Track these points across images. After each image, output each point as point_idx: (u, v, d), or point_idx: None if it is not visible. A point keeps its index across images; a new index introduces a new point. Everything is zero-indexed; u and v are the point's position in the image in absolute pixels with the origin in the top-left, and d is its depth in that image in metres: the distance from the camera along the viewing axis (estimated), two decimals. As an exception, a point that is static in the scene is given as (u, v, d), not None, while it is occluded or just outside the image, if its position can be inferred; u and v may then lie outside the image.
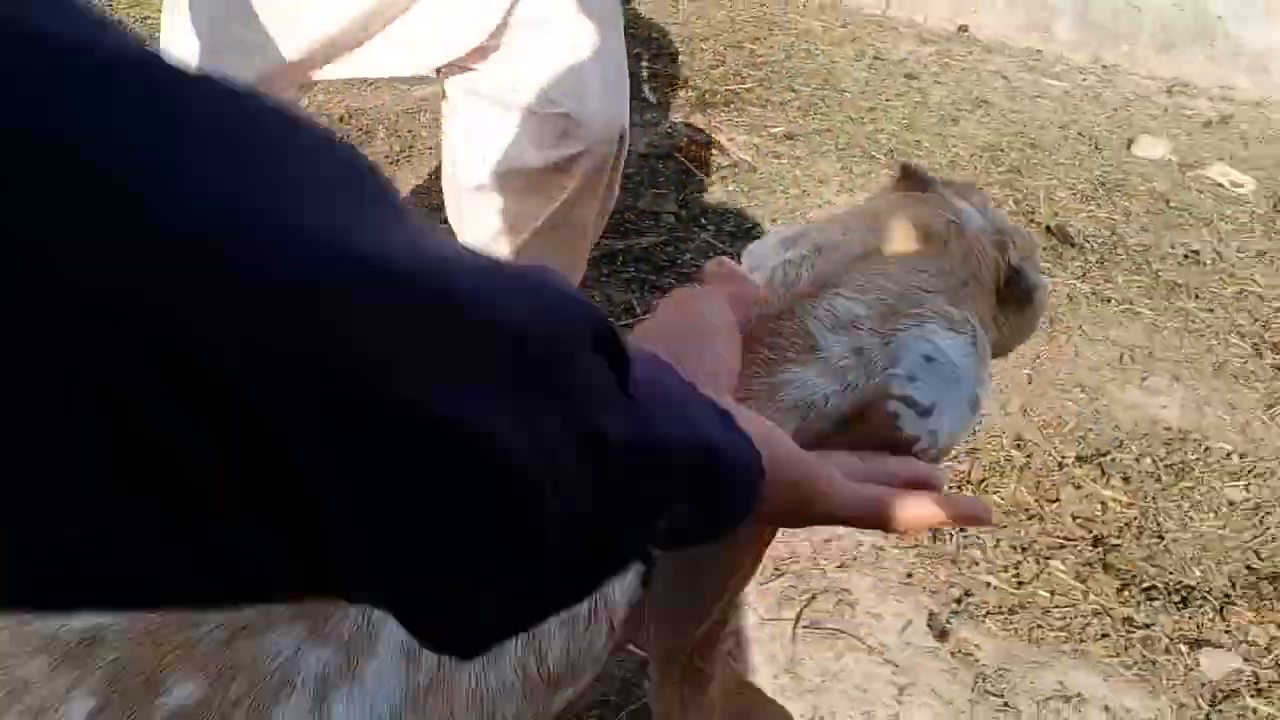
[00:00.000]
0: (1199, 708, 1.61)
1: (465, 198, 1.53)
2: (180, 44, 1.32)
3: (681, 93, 3.57)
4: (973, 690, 1.56)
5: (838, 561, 1.78)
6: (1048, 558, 1.85)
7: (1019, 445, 2.12)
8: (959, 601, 1.73)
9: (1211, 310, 2.63)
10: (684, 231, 2.79)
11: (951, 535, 1.87)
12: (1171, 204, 3.14)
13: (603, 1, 1.43)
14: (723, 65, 3.80)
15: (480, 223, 1.52)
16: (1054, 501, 1.99)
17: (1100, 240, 2.90)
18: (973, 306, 0.84)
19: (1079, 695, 1.59)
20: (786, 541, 1.79)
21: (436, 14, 1.34)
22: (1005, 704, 1.54)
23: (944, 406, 0.77)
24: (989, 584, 1.78)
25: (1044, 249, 2.84)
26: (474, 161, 1.48)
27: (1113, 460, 2.11)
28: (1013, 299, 0.91)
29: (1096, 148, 3.48)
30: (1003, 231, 0.91)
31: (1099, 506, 2.00)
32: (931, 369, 0.77)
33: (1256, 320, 2.60)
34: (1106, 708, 1.57)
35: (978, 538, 1.88)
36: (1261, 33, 3.92)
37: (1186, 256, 2.86)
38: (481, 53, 1.40)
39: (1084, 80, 4.06)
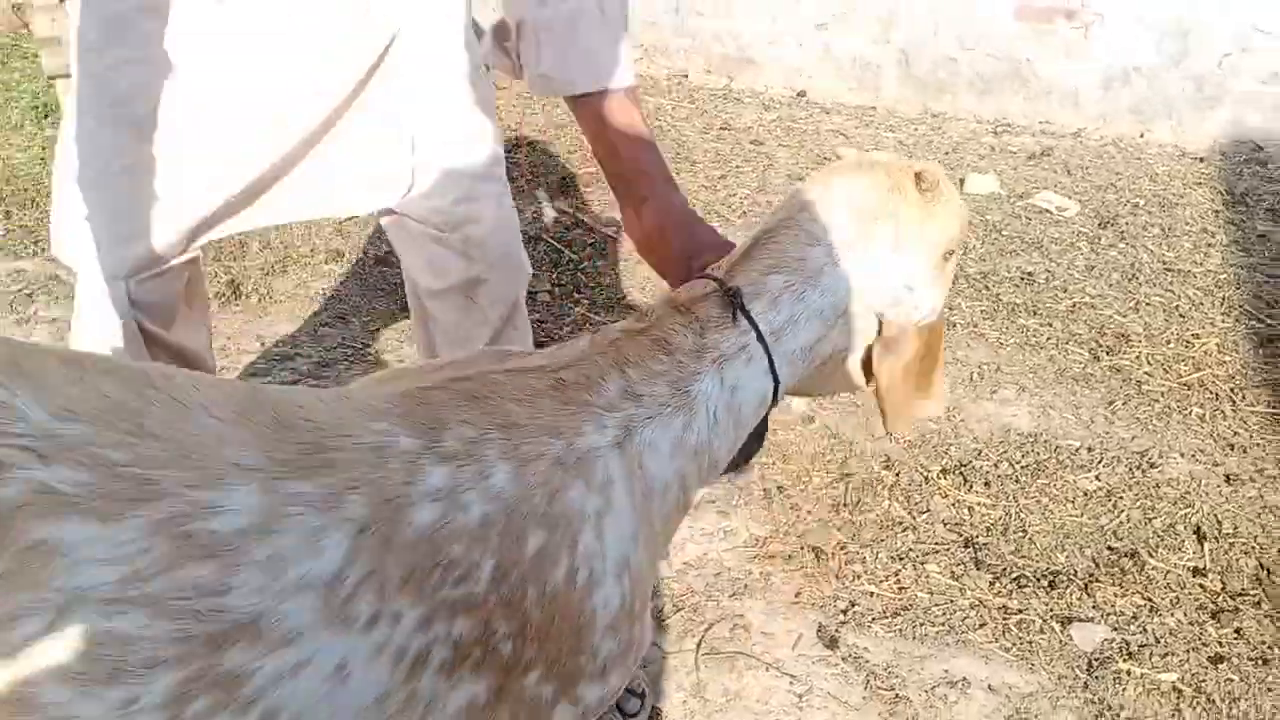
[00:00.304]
0: (1076, 677, 1.74)
1: (425, 304, 1.58)
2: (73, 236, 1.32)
3: (546, 178, 3.72)
4: (865, 689, 1.66)
5: (730, 591, 1.87)
6: (924, 562, 1.97)
7: (888, 465, 2.26)
8: (845, 612, 1.83)
9: (1050, 324, 2.85)
10: (558, 308, 2.90)
11: (834, 554, 1.98)
12: (1004, 232, 3.39)
13: (488, 134, 1.50)
14: (580, 149, 3.97)
15: (441, 328, 1.57)
16: (925, 512, 2.12)
17: (944, 271, 3.12)
18: None
19: (964, 679, 1.70)
20: (680, 578, 1.88)
21: (341, 165, 1.40)
22: (896, 696, 1.64)
23: None
24: (872, 593, 1.89)
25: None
26: (416, 276, 1.55)
27: (974, 468, 2.27)
28: None
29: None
30: None
31: (966, 511, 2.14)
32: None
33: (1091, 328, 2.83)
34: (990, 687, 1.69)
35: (859, 554, 1.99)
36: (1067, 70, 4.28)
37: (1022, 278, 3.09)
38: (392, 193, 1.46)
39: (916, 129, 4.36)
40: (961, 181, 3.78)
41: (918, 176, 1.04)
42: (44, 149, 3.81)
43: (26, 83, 4.47)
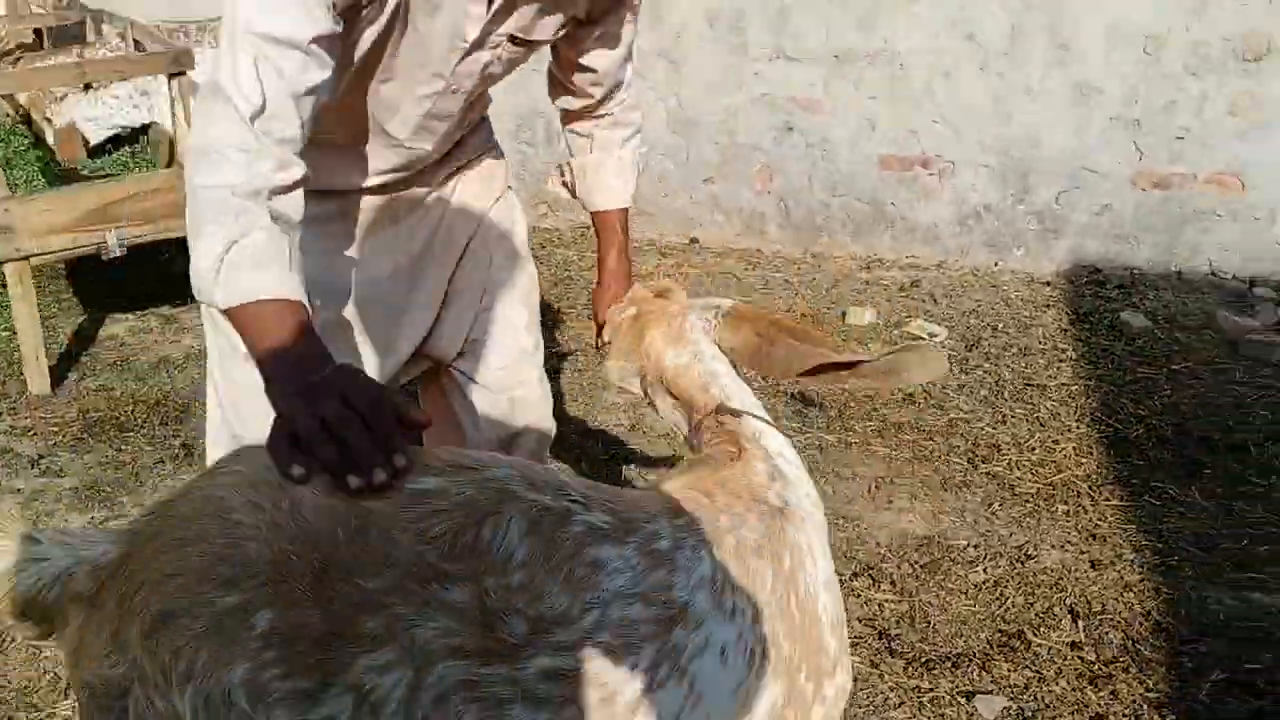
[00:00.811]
0: (981, 744, 2.03)
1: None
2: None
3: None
4: (806, 766, 1.91)
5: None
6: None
7: (806, 571, 2.55)
8: (783, 702, 2.09)
9: (931, 439, 3.23)
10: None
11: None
12: (887, 358, 3.80)
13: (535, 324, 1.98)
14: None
15: None
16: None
17: (835, 398, 3.49)
18: None
19: (888, 753, 1.97)
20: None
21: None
22: (833, 770, 1.90)
23: None
24: (804, 684, 2.16)
25: (792, 413, 3.39)
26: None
27: (880, 570, 2.58)
28: None
29: (817, 323, 4.16)
30: None
31: (877, 608, 2.44)
32: None
33: (967, 440, 3.21)
34: (910, 757, 1.96)
35: (788, 651, 2.26)
36: (926, 211, 4.83)
37: (905, 399, 3.48)
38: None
39: (798, 269, 4.82)
40: (843, 315, 4.21)
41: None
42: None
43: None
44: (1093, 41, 4.48)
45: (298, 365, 1.16)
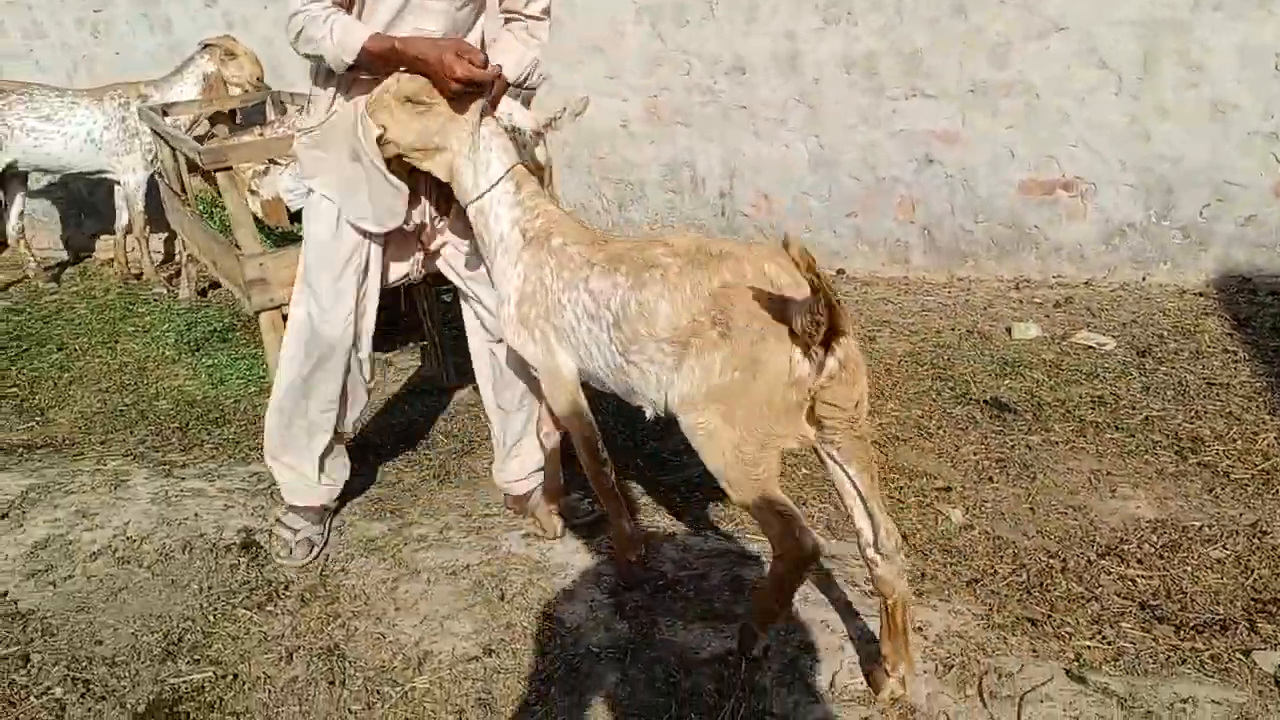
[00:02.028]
0: (1271, 690, 2.18)
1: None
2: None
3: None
4: (1122, 710, 2.08)
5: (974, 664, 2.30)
6: (1117, 622, 2.42)
7: (1053, 555, 2.72)
8: (1077, 659, 2.27)
9: (1132, 436, 3.39)
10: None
11: (1047, 621, 2.42)
12: (1063, 367, 3.98)
13: None
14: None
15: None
16: (1099, 587, 2.58)
17: (1026, 403, 3.67)
18: None
19: (1191, 698, 2.13)
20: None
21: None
22: (1147, 712, 2.06)
23: None
24: (1088, 648, 2.33)
25: (989, 418, 3.57)
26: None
27: (1124, 551, 2.75)
28: None
29: (985, 338, 4.35)
30: None
31: (1130, 583, 2.61)
32: None
33: (1167, 436, 3.37)
34: (1214, 701, 2.12)
35: (1065, 620, 2.43)
36: (1070, 231, 5.01)
37: (1094, 401, 3.65)
38: None
39: (949, 292, 5.02)
40: (1009, 330, 4.39)
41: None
42: (210, 375, 4.28)
43: (165, 323, 4.98)
44: (1224, 61, 4.66)
45: (420, 43, 2.28)
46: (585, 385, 2.40)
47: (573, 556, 2.70)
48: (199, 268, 5.41)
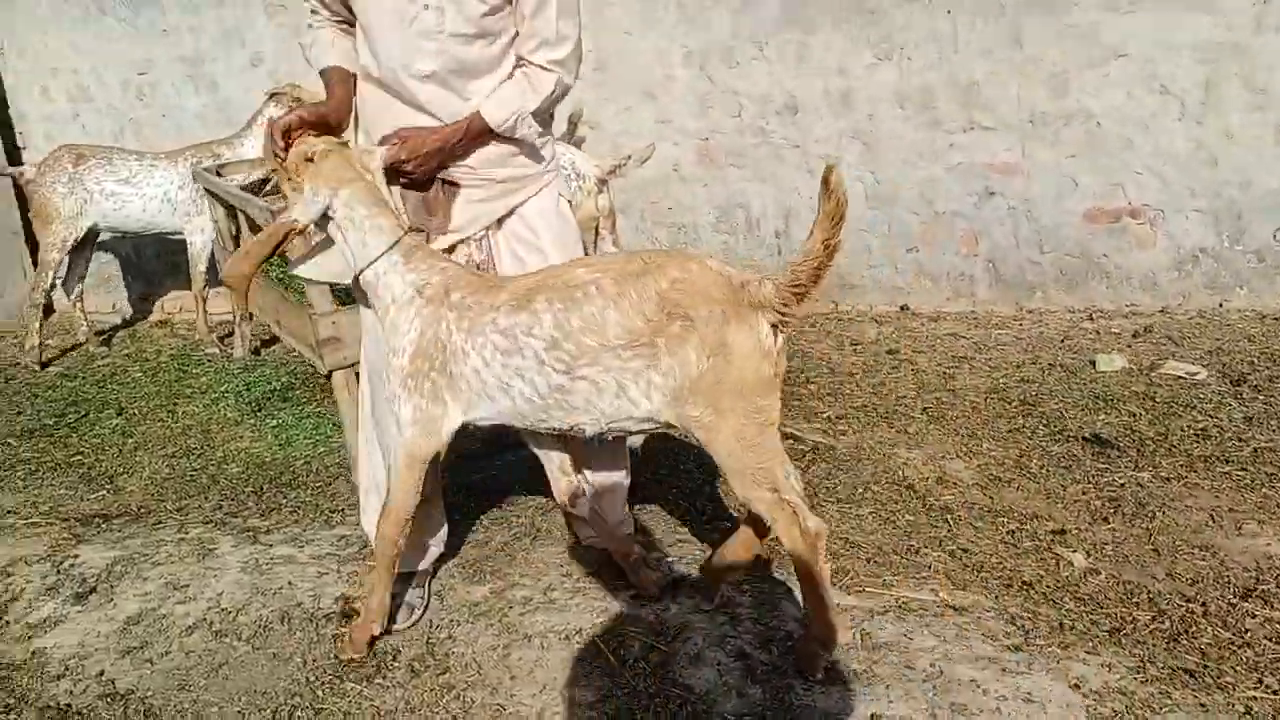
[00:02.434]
0: None
1: None
2: None
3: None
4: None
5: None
6: (1275, 671, 2.29)
7: (1189, 599, 2.60)
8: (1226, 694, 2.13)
9: (1244, 469, 3.26)
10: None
11: (1202, 671, 2.29)
12: (1157, 400, 3.86)
13: None
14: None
15: None
16: (1245, 631, 2.45)
17: (1127, 438, 3.55)
18: None
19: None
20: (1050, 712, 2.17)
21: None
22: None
23: None
24: (1261, 685, 2.20)
25: (1093, 454, 3.45)
26: None
27: (1268, 592, 2.61)
28: None
29: (1069, 372, 4.24)
30: None
31: (1277, 625, 2.48)
32: None
33: (1279, 466, 3.25)
34: None
35: (1217, 667, 2.30)
36: (1141, 259, 4.92)
37: (1198, 435, 3.53)
38: None
39: (1020, 325, 4.92)
40: (1093, 363, 4.28)
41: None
42: (276, 435, 4.20)
43: (222, 384, 4.91)
44: (1293, 83, 4.60)
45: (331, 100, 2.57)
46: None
47: (690, 616, 2.59)
48: (253, 326, 5.36)
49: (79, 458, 4.18)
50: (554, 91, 2.46)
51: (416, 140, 2.44)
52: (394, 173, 2.47)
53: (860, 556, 2.92)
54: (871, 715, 2.17)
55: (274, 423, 4.38)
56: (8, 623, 2.85)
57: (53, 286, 5.50)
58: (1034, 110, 4.88)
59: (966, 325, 5.00)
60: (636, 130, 5.30)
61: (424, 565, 2.78)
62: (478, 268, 2.56)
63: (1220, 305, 4.85)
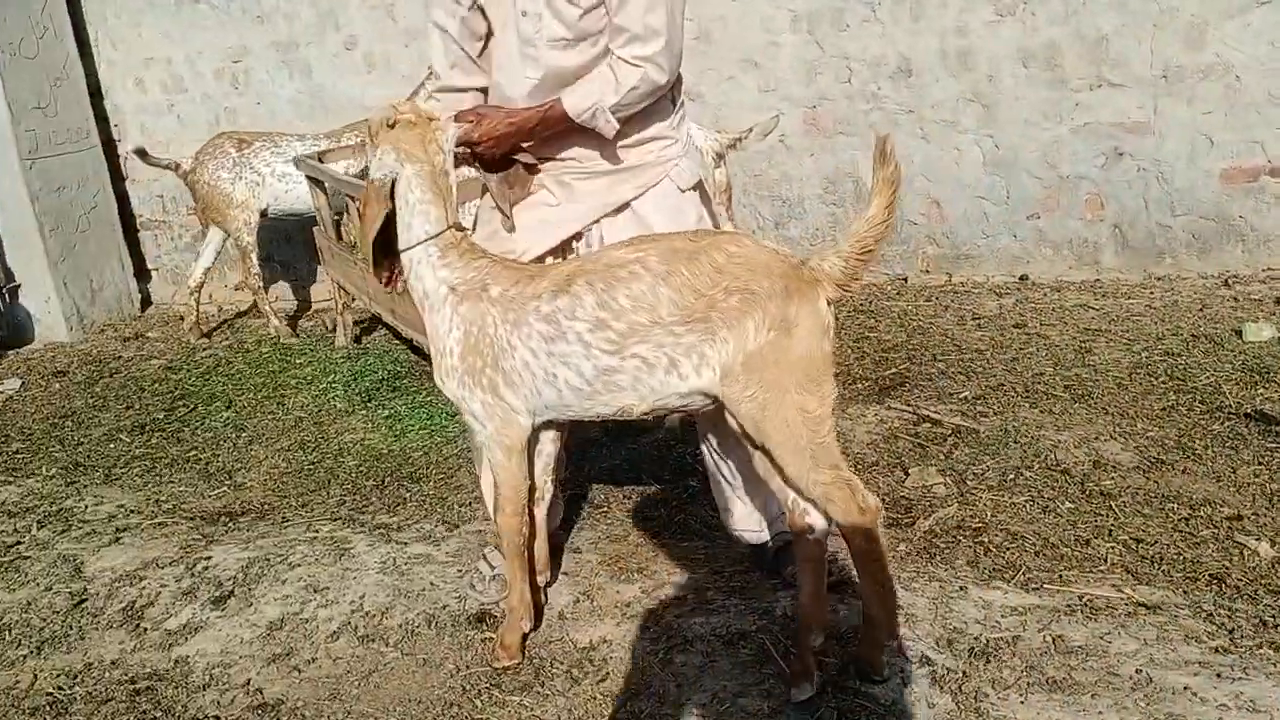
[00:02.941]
0: None
1: None
2: None
3: (856, 386, 4.00)
4: None
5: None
6: None
7: None
8: None
9: None
10: (965, 502, 3.09)
11: None
12: (1320, 371, 3.61)
13: None
14: (865, 356, 4.28)
15: None
16: None
17: (1292, 414, 3.32)
18: None
19: None
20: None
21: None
22: None
23: None
24: None
25: (1260, 434, 3.23)
26: None
27: None
28: None
29: (1215, 343, 3.99)
30: None
31: None
32: None
33: None
34: None
35: None
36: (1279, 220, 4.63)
37: (1375, 408, 3.29)
38: None
39: (1150, 294, 4.66)
40: (1239, 333, 4.03)
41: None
42: (390, 426, 4.13)
43: (328, 374, 4.87)
44: None
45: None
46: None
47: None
48: (355, 314, 5.31)
49: (194, 453, 4.15)
50: (638, 87, 2.34)
51: (491, 121, 2.40)
52: (469, 154, 2.45)
53: (1027, 549, 2.75)
54: (1076, 728, 2.02)
55: (386, 413, 4.32)
56: (145, 629, 2.81)
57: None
58: (1168, 65, 4.60)
59: (1093, 295, 4.75)
60: (739, 101, 5.12)
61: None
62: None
63: (1370, 267, 4.55)
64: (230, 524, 3.42)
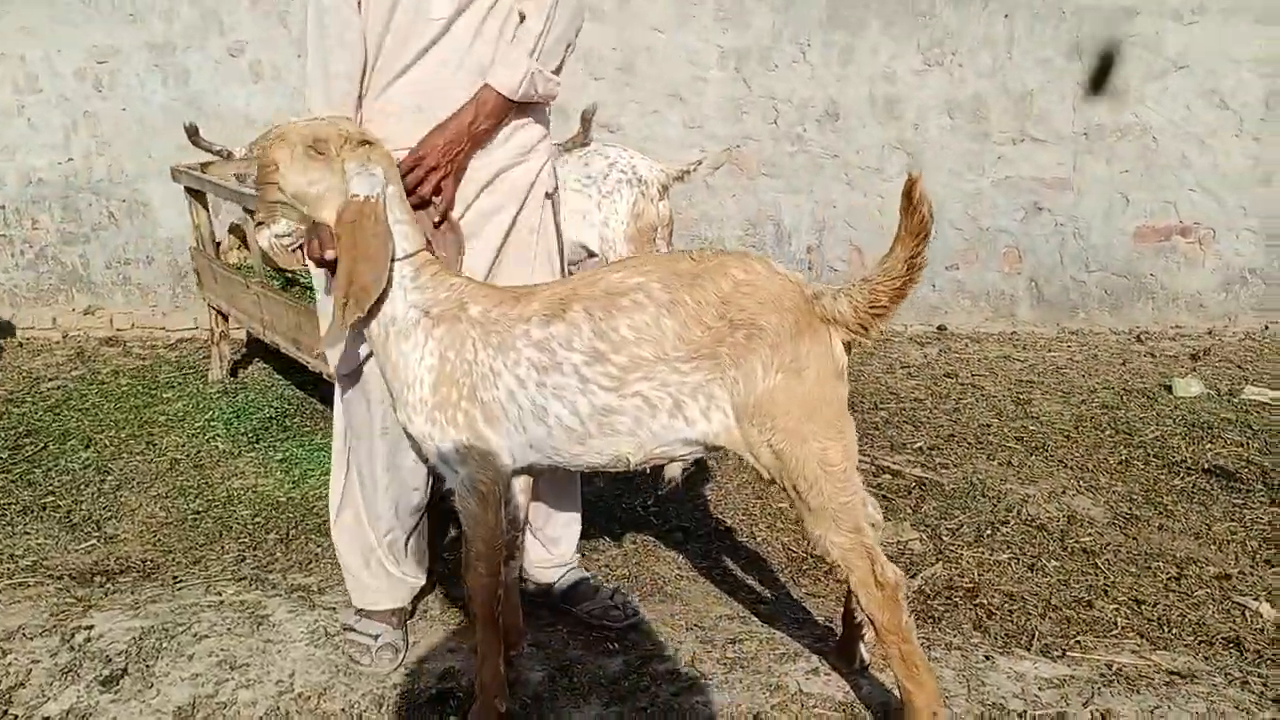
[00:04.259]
0: None
1: None
2: None
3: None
4: None
5: None
6: None
7: None
8: None
9: (1392, 503, 3.04)
10: (947, 559, 2.91)
11: None
12: (1255, 428, 3.63)
13: None
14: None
15: None
16: None
17: (1247, 469, 3.30)
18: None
19: None
20: None
21: None
22: None
23: None
24: None
25: (1223, 491, 3.18)
26: None
27: None
28: None
29: (1149, 397, 3.99)
30: None
31: None
32: None
33: None
34: None
35: None
36: (1189, 280, 4.73)
37: (1322, 465, 3.31)
38: None
39: (1065, 347, 4.68)
40: (1168, 388, 4.05)
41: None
42: (286, 471, 3.67)
43: (203, 411, 4.33)
44: (1350, 98, 4.47)
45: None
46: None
47: (889, 695, 2.19)
48: (231, 345, 4.78)
49: (51, 499, 3.57)
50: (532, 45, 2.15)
51: (430, 142, 2.14)
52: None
53: (1031, 612, 2.58)
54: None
55: (279, 456, 3.84)
56: (16, 717, 2.29)
57: None
58: (1089, 123, 4.66)
59: (1014, 347, 4.73)
60: (663, 135, 4.91)
61: (402, 602, 2.49)
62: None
63: (1266, 328, 4.69)
64: (108, 584, 2.89)
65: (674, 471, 2.10)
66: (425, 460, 2.14)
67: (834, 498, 1.88)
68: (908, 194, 1.75)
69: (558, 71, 2.23)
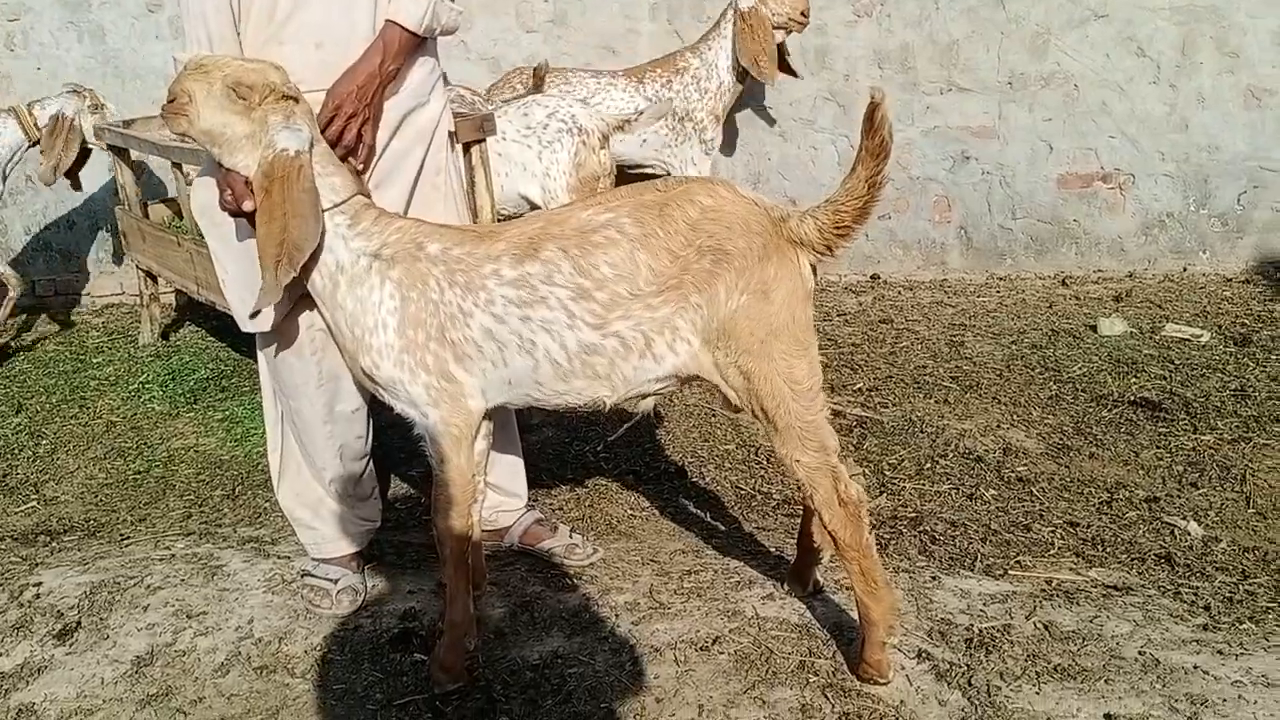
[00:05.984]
0: None
1: None
2: None
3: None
4: None
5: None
6: None
7: (1341, 562, 2.47)
8: None
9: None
10: (890, 492, 2.99)
11: None
12: (1175, 362, 3.79)
13: None
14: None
15: None
16: None
17: (1170, 400, 3.45)
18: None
19: None
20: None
21: None
22: None
23: None
24: None
25: (1149, 420, 3.32)
26: None
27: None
28: None
29: (1075, 337, 4.14)
30: None
31: None
32: None
33: (1337, 424, 3.21)
34: None
35: None
36: (1109, 225, 4.89)
37: (1235, 395, 3.46)
38: None
39: (996, 293, 4.81)
40: (1093, 327, 4.19)
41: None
42: (228, 430, 3.63)
43: (137, 374, 4.25)
44: (1260, 48, 4.64)
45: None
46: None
47: (841, 615, 2.27)
48: (161, 308, 4.68)
49: (-16, 465, 3.48)
50: None
51: (343, 89, 2.10)
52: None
53: (972, 537, 2.68)
54: (1105, 715, 1.91)
55: (219, 416, 3.79)
56: (-34, 674, 2.25)
57: None
58: (1013, 72, 4.77)
59: (945, 293, 4.85)
60: (596, 88, 4.89)
61: (359, 545, 2.51)
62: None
63: (1184, 270, 4.88)
64: (53, 543, 2.85)
65: (646, 406, 2.13)
66: (381, 407, 2.14)
67: (800, 415, 1.93)
68: (869, 116, 1.79)
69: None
